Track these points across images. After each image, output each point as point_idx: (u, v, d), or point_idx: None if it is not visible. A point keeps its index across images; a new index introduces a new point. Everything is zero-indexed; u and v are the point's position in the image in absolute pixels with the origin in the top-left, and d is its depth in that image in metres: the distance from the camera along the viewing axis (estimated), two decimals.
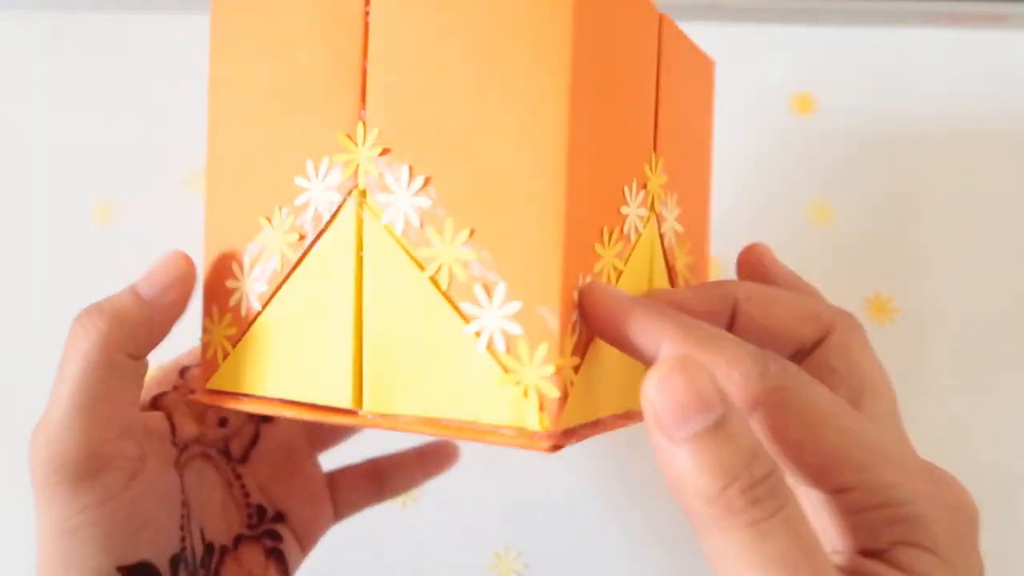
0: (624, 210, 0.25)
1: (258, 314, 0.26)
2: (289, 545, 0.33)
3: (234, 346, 0.27)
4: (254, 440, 0.34)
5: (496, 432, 0.23)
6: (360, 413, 0.25)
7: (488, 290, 0.23)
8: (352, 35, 0.25)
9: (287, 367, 0.26)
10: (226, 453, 0.33)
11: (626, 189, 0.26)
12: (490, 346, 0.23)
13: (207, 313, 0.28)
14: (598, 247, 0.24)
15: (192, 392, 0.30)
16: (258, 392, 0.26)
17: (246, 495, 0.33)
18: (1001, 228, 0.43)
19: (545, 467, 0.42)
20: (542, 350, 0.22)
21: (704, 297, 0.25)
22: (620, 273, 0.25)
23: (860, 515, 0.21)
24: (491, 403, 0.23)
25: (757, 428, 0.22)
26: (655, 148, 0.27)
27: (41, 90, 0.47)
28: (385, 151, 0.24)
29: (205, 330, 0.28)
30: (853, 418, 0.22)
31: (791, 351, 0.26)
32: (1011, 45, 0.45)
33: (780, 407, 0.21)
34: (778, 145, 0.44)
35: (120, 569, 0.27)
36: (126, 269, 0.45)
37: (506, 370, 0.23)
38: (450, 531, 0.41)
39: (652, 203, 0.27)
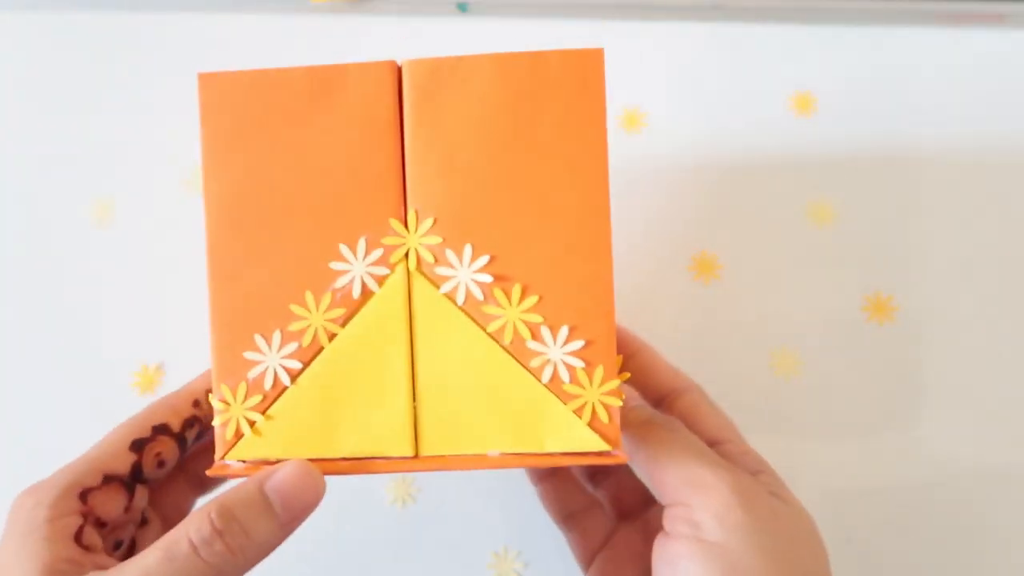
0: (336, 266, 0.27)
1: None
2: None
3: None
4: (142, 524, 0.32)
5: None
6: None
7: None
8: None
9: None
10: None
11: (343, 248, 0.27)
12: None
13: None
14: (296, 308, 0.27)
15: (207, 423, 0.32)
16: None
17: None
18: (1001, 228, 0.43)
19: None
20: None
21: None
22: (333, 335, 0.27)
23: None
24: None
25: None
26: (405, 205, 0.28)
27: (41, 90, 0.47)
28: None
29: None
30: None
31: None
32: (1011, 45, 0.45)
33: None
34: (778, 145, 0.44)
35: None
36: (126, 269, 0.45)
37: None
38: (450, 531, 0.41)
39: (407, 259, 0.28)
